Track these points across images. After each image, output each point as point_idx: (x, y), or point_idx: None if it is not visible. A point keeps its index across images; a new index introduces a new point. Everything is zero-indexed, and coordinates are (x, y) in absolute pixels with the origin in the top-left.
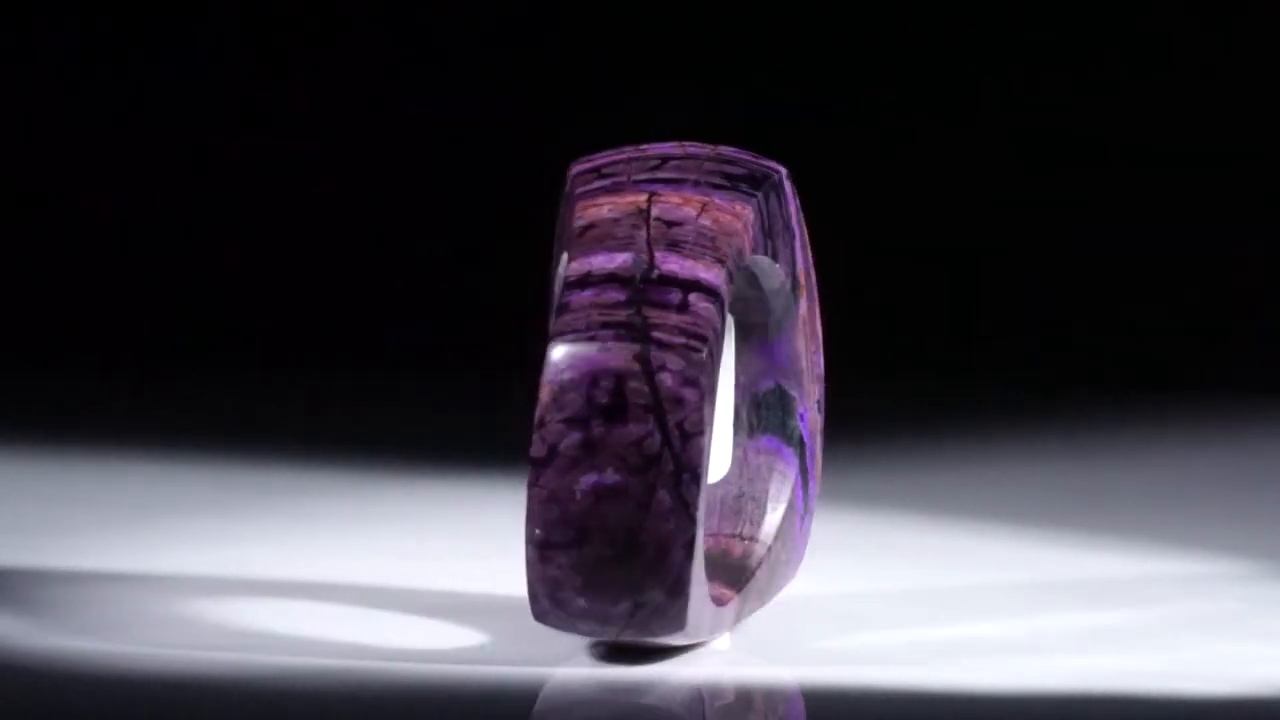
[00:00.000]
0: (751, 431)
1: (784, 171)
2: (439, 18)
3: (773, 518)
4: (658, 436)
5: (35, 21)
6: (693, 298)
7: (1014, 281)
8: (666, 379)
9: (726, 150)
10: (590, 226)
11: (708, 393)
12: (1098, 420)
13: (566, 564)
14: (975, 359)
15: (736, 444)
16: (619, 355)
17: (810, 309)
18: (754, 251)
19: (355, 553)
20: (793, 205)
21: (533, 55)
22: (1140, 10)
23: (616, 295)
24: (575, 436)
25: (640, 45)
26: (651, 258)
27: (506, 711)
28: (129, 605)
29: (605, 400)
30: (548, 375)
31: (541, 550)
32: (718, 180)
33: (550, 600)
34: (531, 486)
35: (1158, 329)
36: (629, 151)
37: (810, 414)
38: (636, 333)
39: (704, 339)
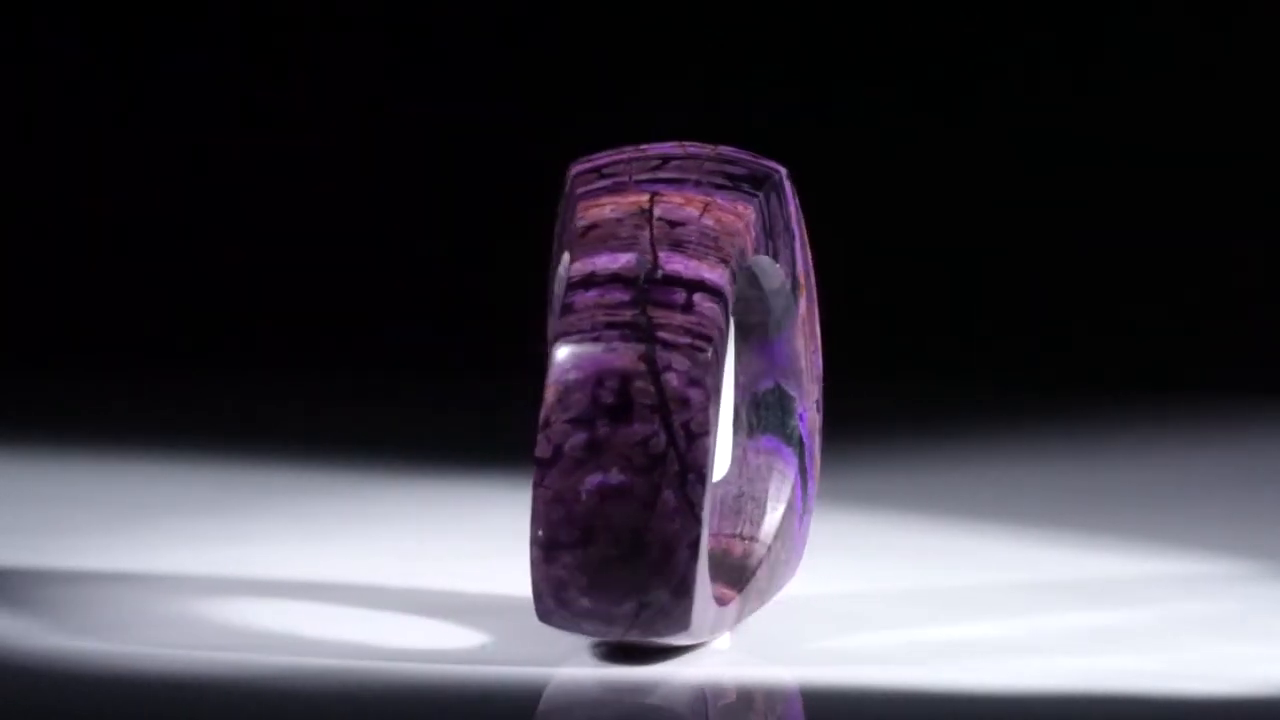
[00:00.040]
0: (751, 431)
1: (784, 171)
2: (439, 18)
3: (772, 517)
4: (663, 436)
5: (35, 21)
6: (697, 298)
7: (1014, 281)
8: (672, 379)
9: (727, 150)
10: (593, 226)
11: (713, 393)
12: (1098, 420)
13: (571, 564)
14: (975, 359)
15: (736, 444)
16: (624, 355)
17: (810, 309)
18: (756, 251)
19: (355, 553)
20: (793, 205)
21: (533, 55)
22: (1140, 10)
23: (621, 295)
24: (580, 437)
25: (640, 45)
26: (655, 258)
27: (508, 712)
28: (129, 605)
29: (610, 400)
30: (553, 375)
31: (546, 550)
32: (719, 180)
33: (555, 600)
34: (536, 487)
35: (1158, 329)
36: (629, 151)
37: (810, 414)
38: (642, 333)
39: (709, 339)
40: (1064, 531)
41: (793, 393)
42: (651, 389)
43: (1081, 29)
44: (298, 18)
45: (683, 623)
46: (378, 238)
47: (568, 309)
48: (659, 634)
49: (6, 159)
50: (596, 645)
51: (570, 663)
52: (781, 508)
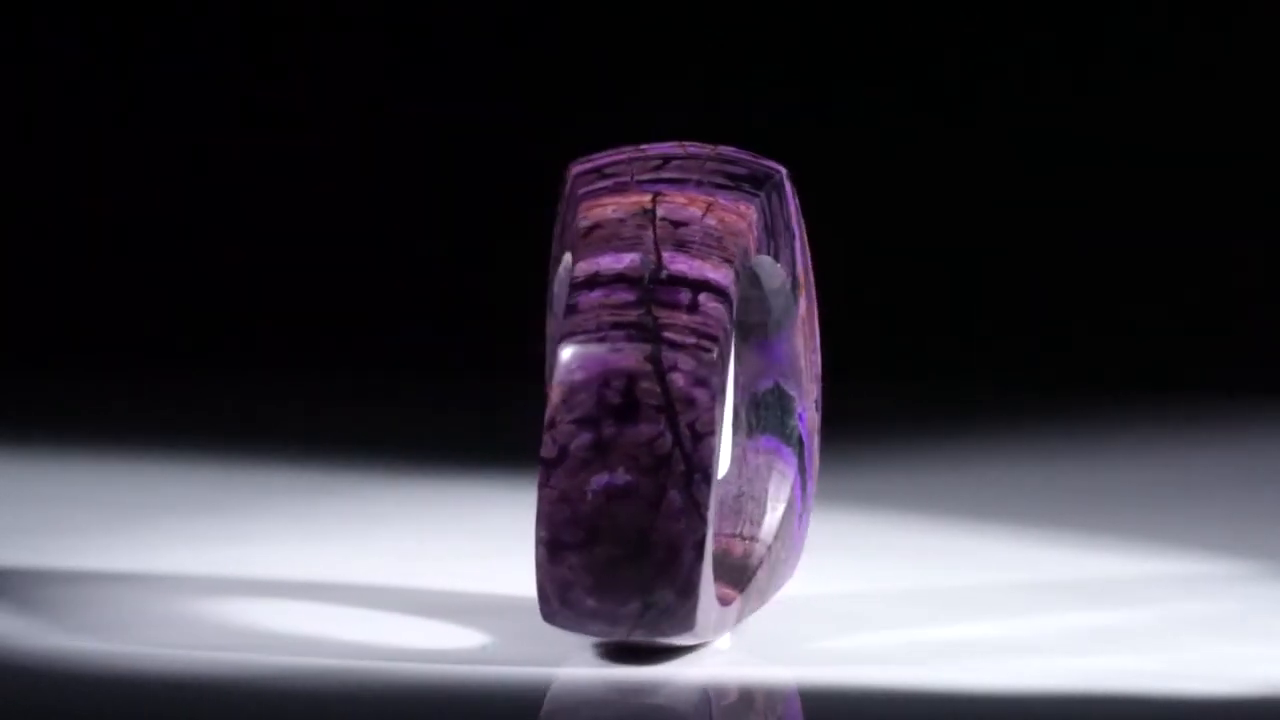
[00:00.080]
0: (750, 431)
1: (784, 171)
2: (439, 18)
3: (772, 517)
4: (669, 437)
5: (35, 21)
6: (702, 298)
7: (1014, 281)
8: (678, 379)
9: (726, 150)
10: (596, 227)
11: (719, 393)
12: (1098, 420)
13: (577, 564)
14: (975, 359)
15: (735, 443)
16: (630, 356)
17: (809, 308)
18: (757, 251)
19: (355, 553)
20: (792, 205)
21: (533, 55)
22: (1140, 10)
23: (626, 296)
24: (586, 437)
25: (640, 45)
26: (659, 258)
27: (509, 712)
28: (129, 605)
29: (617, 400)
30: (558, 376)
31: (551, 550)
32: (721, 180)
33: (560, 600)
34: (542, 487)
35: (1158, 329)
36: (629, 151)
37: (809, 413)
38: (648, 333)
39: (715, 339)
40: (1064, 531)
41: (792, 392)
42: (657, 389)
43: (1081, 29)
44: (298, 18)
45: (688, 623)
46: (378, 238)
47: (572, 309)
48: (664, 634)
49: (6, 159)
50: (597, 645)
51: (571, 663)
52: (781, 507)
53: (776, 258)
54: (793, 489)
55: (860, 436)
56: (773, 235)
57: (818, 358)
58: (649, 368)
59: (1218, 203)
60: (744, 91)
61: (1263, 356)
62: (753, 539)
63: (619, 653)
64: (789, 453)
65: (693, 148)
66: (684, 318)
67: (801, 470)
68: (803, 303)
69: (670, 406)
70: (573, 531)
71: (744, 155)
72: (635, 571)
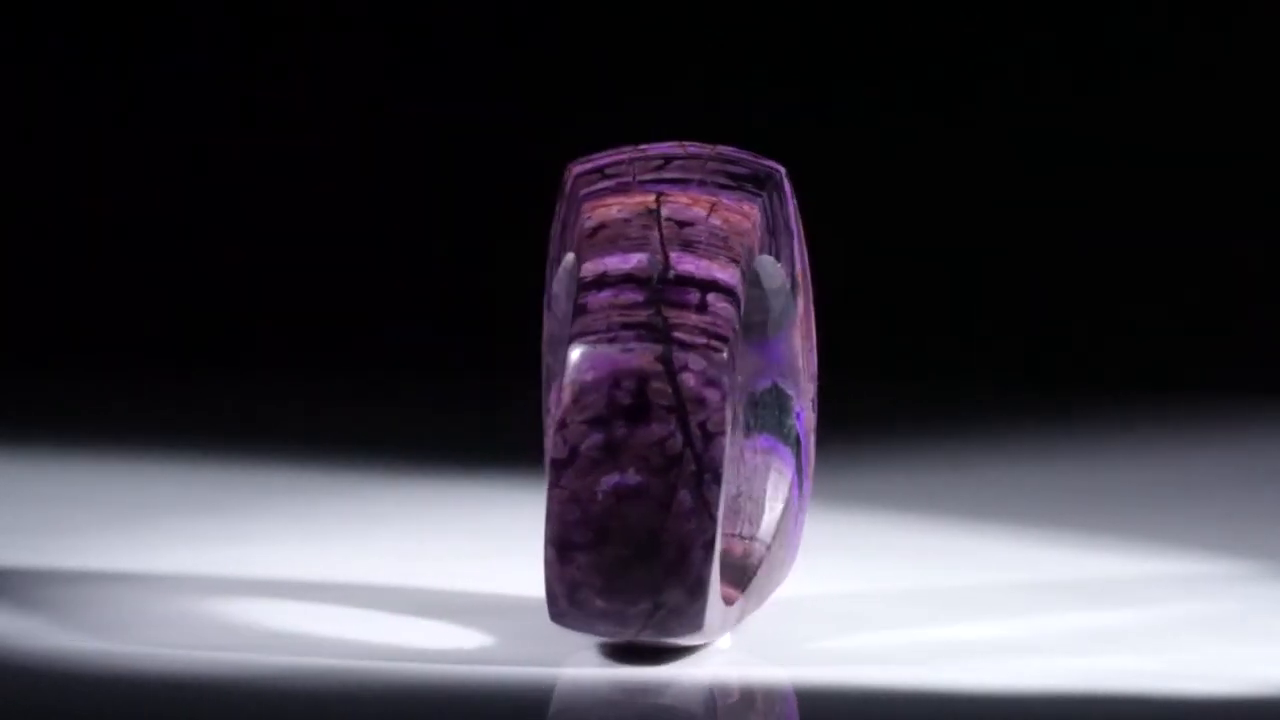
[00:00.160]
0: (748, 431)
1: (783, 171)
2: (439, 18)
3: (771, 516)
4: (680, 437)
5: (35, 21)
6: (711, 298)
7: (1014, 281)
8: (689, 379)
9: (726, 150)
10: (601, 227)
11: (729, 393)
12: (1098, 420)
13: (586, 564)
14: (975, 359)
15: (733, 443)
16: (641, 356)
17: (806, 308)
18: (761, 251)
19: (355, 553)
20: (791, 204)
21: (533, 55)
22: (1140, 10)
23: (634, 296)
24: (597, 437)
25: (640, 45)
26: (666, 258)
27: (512, 712)
28: (129, 605)
29: (627, 401)
30: (568, 376)
31: (561, 551)
32: (723, 180)
33: (569, 601)
34: (552, 488)
35: (1158, 329)
36: (629, 151)
37: (806, 413)
38: (658, 333)
39: (725, 339)
40: (1064, 531)
41: (790, 392)
42: (668, 389)
43: (1081, 29)
44: (298, 18)
45: (696, 623)
46: (378, 238)
47: (581, 310)
48: (672, 634)
49: (6, 159)
50: (597, 645)
51: (572, 663)
52: (780, 507)
53: (777, 257)
54: (790, 488)
55: (860, 436)
56: (774, 235)
57: (814, 356)
58: (660, 368)
59: (1218, 203)
60: (744, 91)
61: (1263, 356)
62: (752, 538)
63: (620, 653)
64: (786, 452)
65: (693, 147)
66: (693, 318)
67: (799, 470)
68: (801, 302)
69: (681, 406)
70: (582, 532)
71: (744, 155)
72: (645, 572)
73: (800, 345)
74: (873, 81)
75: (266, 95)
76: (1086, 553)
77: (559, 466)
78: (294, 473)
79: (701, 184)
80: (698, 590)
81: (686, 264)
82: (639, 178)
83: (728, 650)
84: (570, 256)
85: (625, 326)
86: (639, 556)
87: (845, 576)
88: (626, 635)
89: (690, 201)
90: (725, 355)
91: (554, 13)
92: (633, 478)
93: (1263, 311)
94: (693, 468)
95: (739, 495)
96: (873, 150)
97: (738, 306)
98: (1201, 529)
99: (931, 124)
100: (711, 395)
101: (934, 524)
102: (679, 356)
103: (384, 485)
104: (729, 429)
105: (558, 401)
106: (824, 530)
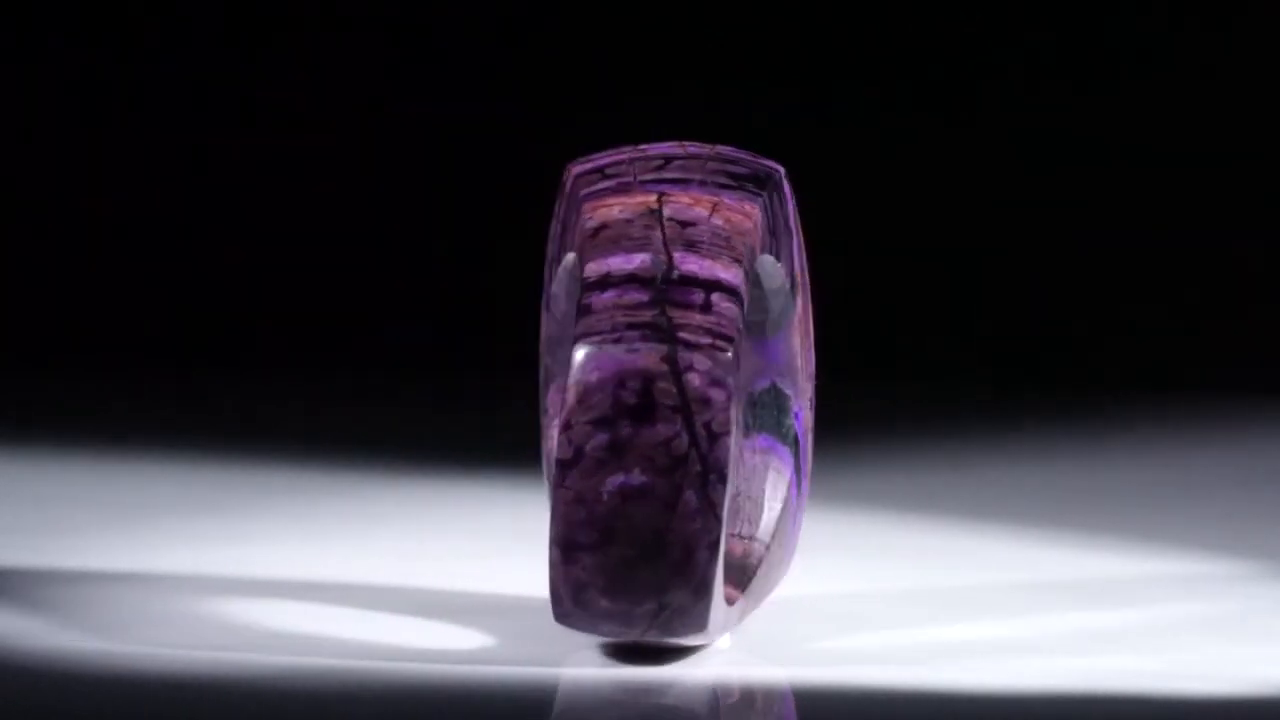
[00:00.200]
0: (747, 431)
1: (782, 171)
2: (439, 18)
3: (770, 516)
4: (685, 437)
5: (35, 21)
6: (715, 298)
7: (1014, 281)
8: (694, 379)
9: (726, 150)
10: (603, 227)
11: (734, 393)
12: (1098, 420)
13: (591, 565)
14: (975, 359)
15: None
16: (646, 356)
17: (805, 308)
18: (762, 251)
19: (355, 553)
20: (790, 204)
21: (533, 55)
22: (1140, 10)
23: (639, 296)
24: (602, 438)
25: (640, 45)
26: (670, 258)
27: (513, 712)
28: (129, 605)
29: (633, 401)
30: (573, 376)
31: (566, 551)
32: (723, 180)
33: (574, 601)
34: (557, 488)
35: (1158, 329)
36: (629, 152)
37: (804, 412)
38: (663, 333)
39: (729, 339)
40: (1064, 531)
41: (788, 391)
42: (673, 389)
43: (1081, 29)
44: (298, 18)
45: (701, 623)
46: (378, 238)
47: (586, 310)
48: (677, 634)
49: (6, 159)
50: (598, 645)
51: (573, 663)
52: (778, 506)
53: (777, 257)
54: (789, 488)
55: (860, 436)
56: (774, 235)
57: (812, 356)
58: (665, 368)
59: (1218, 203)
60: (744, 91)
61: (1263, 356)
62: (751, 538)
63: (622, 652)
64: (785, 452)
65: (692, 147)
66: (698, 318)
67: (797, 469)
68: (800, 302)
69: (686, 407)
70: (587, 532)
71: (744, 155)
72: (650, 572)
73: (799, 345)
74: (873, 81)
75: (266, 95)
76: (1086, 553)
77: (564, 467)
78: (294, 473)
79: (702, 184)
80: (703, 590)
81: (690, 264)
82: (639, 178)
83: (728, 650)
84: (570, 257)
85: (630, 327)
86: (644, 557)
87: (845, 576)
88: (631, 636)
89: (692, 201)
90: (730, 355)
91: (554, 13)
92: (638, 478)
93: (1263, 311)
94: (698, 468)
95: (738, 495)
96: (873, 150)
97: (741, 306)
98: (1201, 529)
99: (931, 124)
100: (717, 395)
101: (934, 524)
102: (684, 356)
103: (384, 485)
104: (734, 429)
105: (558, 402)
106: (823, 530)
